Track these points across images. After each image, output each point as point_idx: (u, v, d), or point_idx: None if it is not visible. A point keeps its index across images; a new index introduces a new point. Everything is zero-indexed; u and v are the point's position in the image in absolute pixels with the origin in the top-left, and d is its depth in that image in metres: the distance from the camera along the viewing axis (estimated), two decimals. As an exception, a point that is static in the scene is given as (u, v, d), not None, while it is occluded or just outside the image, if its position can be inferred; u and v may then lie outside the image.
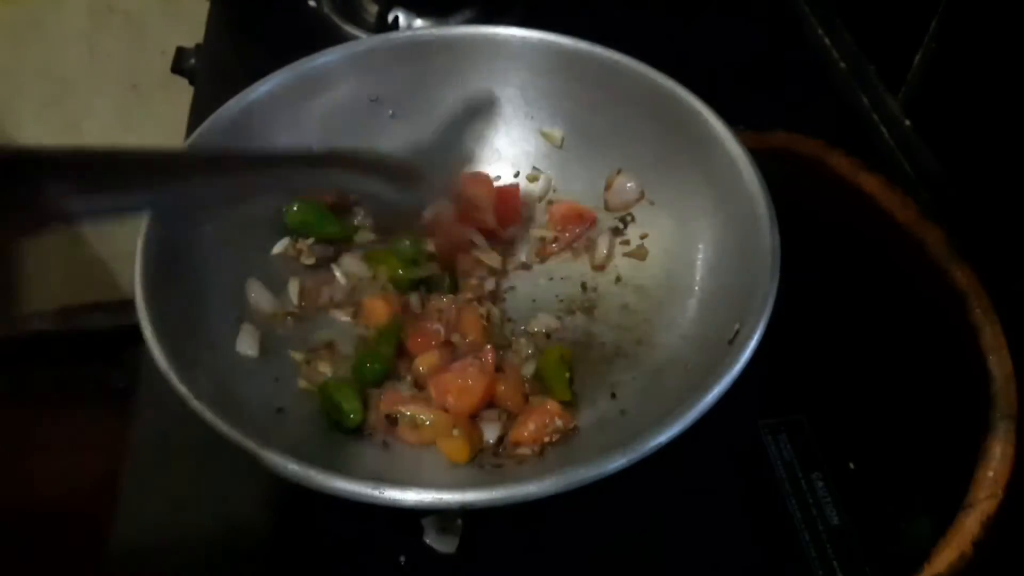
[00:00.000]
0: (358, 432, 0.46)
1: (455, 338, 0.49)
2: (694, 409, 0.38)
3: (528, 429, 0.44)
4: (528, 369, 0.48)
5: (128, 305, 0.42)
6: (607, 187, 0.55)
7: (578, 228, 0.55)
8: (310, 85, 0.54)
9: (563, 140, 0.57)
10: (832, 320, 0.53)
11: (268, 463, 0.37)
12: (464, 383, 0.45)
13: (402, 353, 0.49)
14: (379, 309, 0.50)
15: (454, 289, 0.52)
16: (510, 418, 0.46)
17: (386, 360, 0.48)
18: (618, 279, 0.53)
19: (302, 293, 0.51)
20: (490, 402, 0.46)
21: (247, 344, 0.47)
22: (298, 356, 0.49)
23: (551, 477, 0.36)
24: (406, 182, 0.47)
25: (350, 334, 0.50)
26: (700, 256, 0.50)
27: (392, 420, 0.45)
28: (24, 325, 1.20)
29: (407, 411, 0.45)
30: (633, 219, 0.55)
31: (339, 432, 0.46)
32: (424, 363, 0.48)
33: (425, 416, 0.45)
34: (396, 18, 0.73)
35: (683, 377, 0.44)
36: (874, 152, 0.62)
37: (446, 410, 0.45)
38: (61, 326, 1.31)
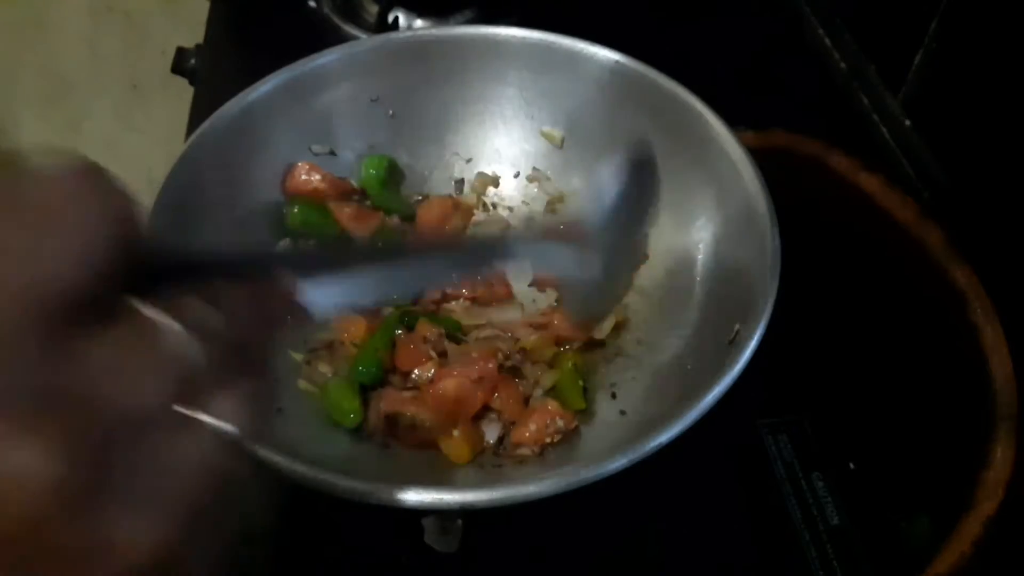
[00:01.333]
0: (358, 432, 0.46)
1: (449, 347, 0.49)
2: (694, 409, 0.38)
3: (529, 430, 0.44)
4: (547, 381, 0.48)
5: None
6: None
7: None
8: (310, 85, 0.54)
9: (563, 140, 0.57)
10: (832, 320, 0.53)
11: (268, 463, 0.37)
12: (460, 394, 0.45)
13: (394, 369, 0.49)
14: (357, 324, 0.50)
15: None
16: (511, 420, 0.46)
17: (380, 363, 0.48)
18: (618, 279, 0.53)
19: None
20: (489, 408, 0.46)
21: None
22: (298, 356, 0.49)
23: (551, 477, 0.36)
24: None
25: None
26: (700, 256, 0.50)
27: (392, 420, 0.45)
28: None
29: (407, 412, 0.45)
30: (633, 219, 0.55)
31: (339, 432, 0.46)
32: (420, 373, 0.48)
33: (425, 417, 0.45)
34: (396, 18, 0.73)
35: (683, 377, 0.44)
36: (874, 152, 0.62)
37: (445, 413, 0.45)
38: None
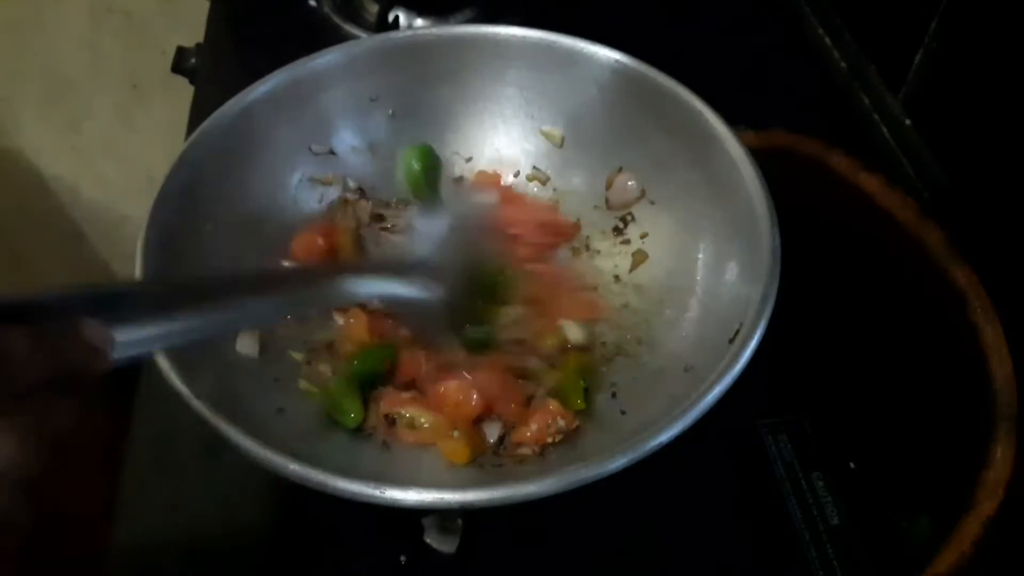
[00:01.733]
0: (358, 432, 0.46)
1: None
2: (694, 409, 0.38)
3: (531, 430, 0.44)
4: (550, 381, 0.48)
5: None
6: (608, 186, 0.55)
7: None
8: (310, 85, 0.54)
9: (563, 140, 0.57)
10: (832, 320, 0.53)
11: (268, 463, 0.37)
12: (460, 397, 0.45)
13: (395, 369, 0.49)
14: (358, 324, 0.50)
15: None
16: (512, 420, 0.46)
17: (379, 360, 0.48)
18: (618, 279, 0.53)
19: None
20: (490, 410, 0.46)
21: (247, 344, 0.47)
22: (298, 356, 0.49)
23: (551, 477, 0.36)
24: (425, 280, 0.47)
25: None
26: (700, 256, 0.50)
27: (391, 421, 0.45)
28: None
29: (406, 412, 0.45)
30: (633, 218, 0.55)
31: (339, 432, 0.46)
32: (423, 376, 0.47)
33: (425, 418, 0.45)
34: (396, 18, 0.73)
35: (683, 377, 0.44)
36: (874, 152, 0.62)
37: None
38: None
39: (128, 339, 0.29)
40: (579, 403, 0.46)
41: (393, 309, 0.50)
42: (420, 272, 0.47)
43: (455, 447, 0.44)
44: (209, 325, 0.35)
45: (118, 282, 0.37)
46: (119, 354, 0.29)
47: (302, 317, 0.50)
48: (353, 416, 0.45)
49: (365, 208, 0.55)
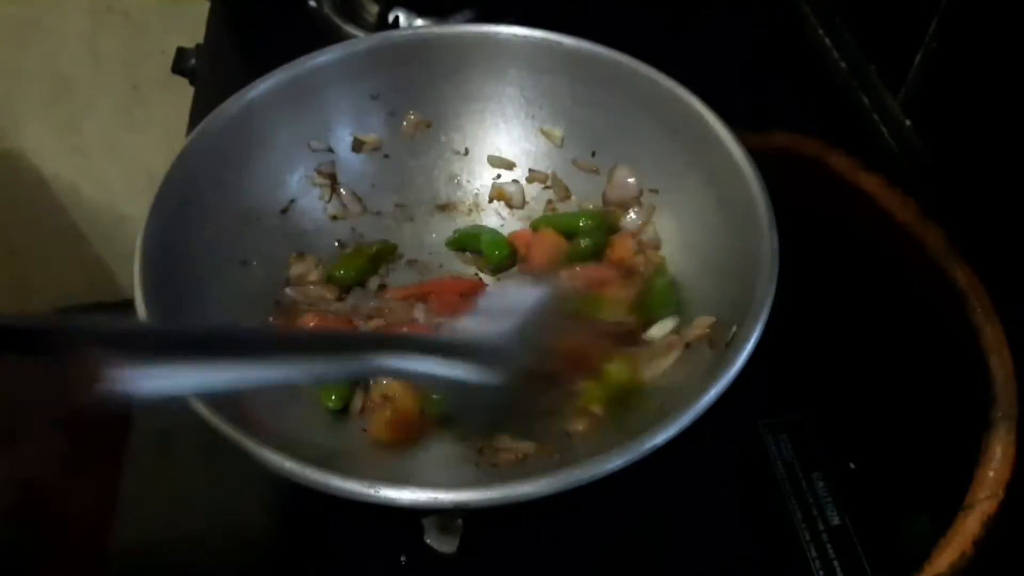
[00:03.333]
0: (346, 423, 0.46)
1: None
2: (691, 410, 0.38)
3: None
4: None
5: (128, 305, 0.42)
6: (608, 180, 0.55)
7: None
8: (309, 83, 0.54)
9: (563, 139, 0.57)
10: (832, 320, 0.53)
11: (267, 462, 0.37)
12: None
13: None
14: None
15: None
16: None
17: (358, 269, 0.51)
18: (617, 279, 0.53)
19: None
20: None
21: None
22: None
23: (548, 477, 0.36)
24: (480, 362, 0.39)
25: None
26: (699, 256, 0.50)
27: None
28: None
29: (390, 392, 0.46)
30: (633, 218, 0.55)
31: (339, 432, 0.46)
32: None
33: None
34: (396, 18, 0.73)
35: (681, 378, 0.44)
36: (874, 152, 0.62)
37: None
38: (61, 326, 1.31)
39: (141, 380, 0.27)
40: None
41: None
42: (482, 353, 0.40)
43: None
44: (224, 380, 0.33)
45: (135, 322, 0.35)
46: (129, 391, 0.27)
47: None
48: (335, 399, 0.46)
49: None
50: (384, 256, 0.55)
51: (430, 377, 0.39)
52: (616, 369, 0.46)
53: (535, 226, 0.56)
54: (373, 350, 0.37)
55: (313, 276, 0.53)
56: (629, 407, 0.45)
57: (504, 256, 0.54)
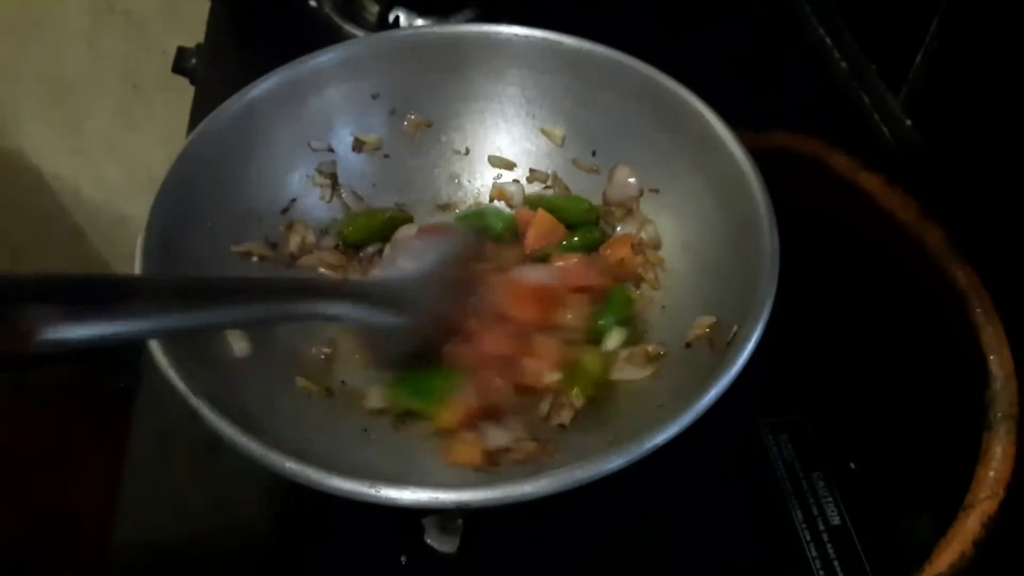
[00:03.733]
0: (364, 432, 0.46)
1: None
2: (691, 410, 0.38)
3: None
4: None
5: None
6: (608, 179, 0.55)
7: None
8: (310, 82, 0.54)
9: (564, 139, 0.57)
10: (832, 320, 0.53)
11: (266, 461, 0.37)
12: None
13: None
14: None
15: None
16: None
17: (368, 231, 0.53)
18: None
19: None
20: None
21: (239, 343, 0.47)
22: (298, 355, 0.49)
23: (548, 477, 0.36)
24: (392, 309, 0.44)
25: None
26: (699, 256, 0.50)
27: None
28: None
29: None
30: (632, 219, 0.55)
31: (339, 432, 0.46)
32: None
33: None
34: (397, 18, 0.73)
35: (682, 378, 0.44)
36: (874, 152, 0.62)
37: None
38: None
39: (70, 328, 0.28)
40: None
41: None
42: (396, 301, 0.45)
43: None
44: (172, 323, 0.35)
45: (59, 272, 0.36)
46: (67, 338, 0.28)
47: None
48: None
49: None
50: (397, 222, 0.55)
51: (340, 319, 0.44)
52: (590, 360, 0.47)
53: (532, 204, 0.56)
54: (291, 296, 0.41)
55: (311, 238, 0.53)
56: (604, 402, 0.46)
57: (505, 229, 0.54)
